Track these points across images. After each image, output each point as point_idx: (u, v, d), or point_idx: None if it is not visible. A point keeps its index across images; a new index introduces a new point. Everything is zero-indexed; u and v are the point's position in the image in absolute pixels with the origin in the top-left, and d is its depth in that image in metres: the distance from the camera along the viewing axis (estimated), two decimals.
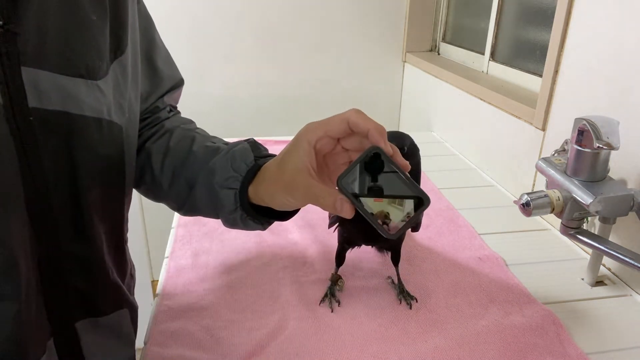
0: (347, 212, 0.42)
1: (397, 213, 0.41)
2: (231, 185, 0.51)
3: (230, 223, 0.55)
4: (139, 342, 0.63)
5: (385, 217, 0.41)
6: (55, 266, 0.44)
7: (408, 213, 0.41)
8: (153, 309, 0.69)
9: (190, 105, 1.68)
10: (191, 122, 0.66)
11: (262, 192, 0.50)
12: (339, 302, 0.70)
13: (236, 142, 0.56)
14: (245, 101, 1.72)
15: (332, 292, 0.72)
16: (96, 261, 0.49)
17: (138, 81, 0.54)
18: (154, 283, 1.91)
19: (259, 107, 1.74)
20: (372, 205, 0.41)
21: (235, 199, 0.51)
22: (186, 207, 0.58)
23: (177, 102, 0.70)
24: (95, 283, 0.49)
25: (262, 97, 1.73)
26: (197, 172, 0.55)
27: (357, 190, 0.42)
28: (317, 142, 0.45)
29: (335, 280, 0.73)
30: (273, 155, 0.53)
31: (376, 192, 0.42)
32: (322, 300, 0.71)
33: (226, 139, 0.60)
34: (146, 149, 0.59)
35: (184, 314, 0.68)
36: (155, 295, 0.73)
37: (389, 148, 0.42)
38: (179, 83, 0.67)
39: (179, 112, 0.69)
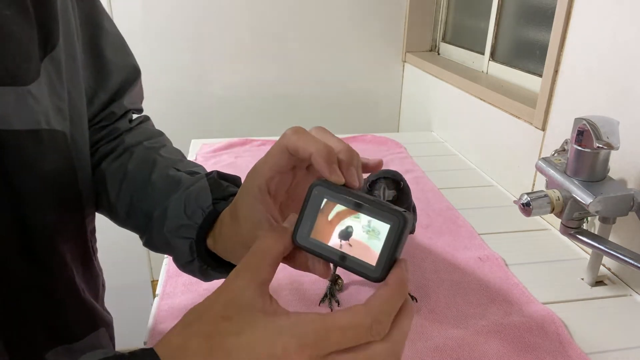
0: (323, 273, 0.35)
1: (375, 243, 0.32)
2: (185, 234, 0.44)
3: (188, 272, 0.47)
4: (139, 342, 0.63)
5: (365, 253, 0.33)
6: (12, 307, 0.39)
7: (387, 239, 0.32)
8: (153, 309, 0.69)
9: (191, 105, 1.69)
10: (160, 134, 0.58)
11: (220, 247, 0.43)
12: (338, 302, 0.70)
13: (197, 176, 0.47)
14: (245, 101, 1.72)
15: (332, 292, 0.71)
16: (64, 286, 0.44)
17: (79, 76, 0.46)
18: (154, 283, 1.91)
19: (259, 107, 1.74)
20: (346, 249, 0.33)
21: (192, 249, 0.44)
22: (146, 241, 0.50)
23: (141, 100, 0.60)
24: (64, 309, 0.45)
25: (262, 97, 1.73)
26: (153, 208, 0.47)
27: (323, 239, 0.34)
28: (269, 185, 0.37)
29: (335, 280, 0.73)
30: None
31: (345, 233, 0.33)
32: (322, 301, 0.71)
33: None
34: (102, 170, 0.51)
35: (184, 313, 0.68)
36: (155, 295, 0.73)
37: (338, 174, 0.34)
38: (133, 75, 0.57)
39: (145, 119, 0.60)
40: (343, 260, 0.33)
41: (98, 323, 0.50)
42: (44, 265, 0.42)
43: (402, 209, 0.32)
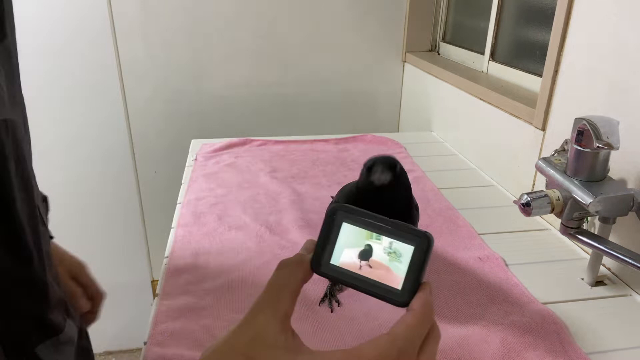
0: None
1: (396, 265, 0.31)
2: None
3: None
4: (139, 343, 0.63)
5: (386, 276, 0.32)
6: (2, 301, 0.40)
7: (409, 261, 0.31)
8: (153, 309, 0.69)
9: (191, 105, 1.69)
10: None
11: None
12: (338, 302, 0.70)
13: None
14: (246, 101, 1.72)
15: (332, 292, 0.71)
16: (45, 276, 0.44)
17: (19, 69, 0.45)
18: (154, 283, 1.91)
19: (259, 107, 1.74)
20: (366, 272, 0.32)
21: None
22: None
23: None
24: (48, 300, 0.45)
25: (262, 97, 1.73)
26: None
27: (344, 264, 0.32)
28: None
29: None
30: None
31: (365, 253, 0.32)
32: (322, 301, 0.71)
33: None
34: None
35: (184, 314, 0.68)
36: (155, 295, 0.73)
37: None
38: None
39: None
40: (366, 285, 0.32)
41: (69, 309, 0.50)
42: (27, 256, 0.42)
43: (424, 230, 0.32)
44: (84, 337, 0.55)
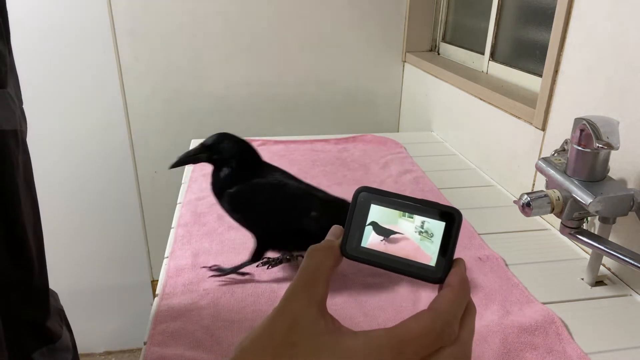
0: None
1: (426, 244, 0.32)
2: None
3: None
4: (139, 343, 0.63)
5: (417, 255, 0.32)
6: (1, 306, 0.40)
7: (441, 238, 0.32)
8: (153, 309, 0.69)
9: (190, 105, 1.69)
10: None
11: None
12: (273, 265, 0.78)
13: None
14: (245, 101, 1.72)
15: (280, 260, 0.79)
16: (43, 283, 0.44)
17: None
18: (154, 283, 1.91)
19: (259, 107, 1.74)
20: (395, 250, 0.32)
21: None
22: None
23: None
24: (47, 306, 0.45)
25: (262, 97, 1.73)
26: None
27: (373, 246, 0.32)
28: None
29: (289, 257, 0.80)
30: None
31: (393, 235, 0.32)
32: (269, 263, 0.79)
33: None
34: None
35: (184, 314, 0.68)
36: (155, 295, 0.73)
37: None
38: None
39: None
40: (399, 265, 0.32)
41: (67, 319, 0.50)
42: (28, 262, 0.42)
43: (453, 206, 0.32)
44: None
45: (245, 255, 0.83)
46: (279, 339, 0.28)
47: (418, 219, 0.32)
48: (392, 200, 0.32)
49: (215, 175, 0.75)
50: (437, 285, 0.32)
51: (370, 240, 0.32)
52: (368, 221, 0.33)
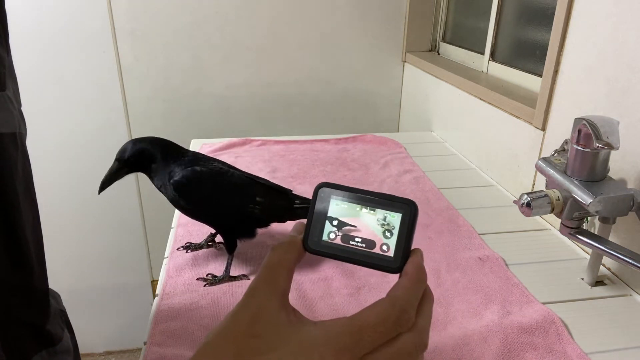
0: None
1: (388, 236, 0.33)
2: None
3: None
4: (139, 343, 0.63)
5: (381, 246, 0.33)
6: (1, 310, 0.40)
7: (401, 228, 0.33)
8: (153, 309, 0.70)
9: (190, 105, 1.69)
10: None
11: None
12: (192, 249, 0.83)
13: None
14: (245, 101, 1.72)
15: (201, 245, 0.83)
16: (43, 286, 0.44)
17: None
18: (154, 283, 1.91)
19: (259, 107, 1.74)
20: (356, 242, 0.33)
21: None
22: None
23: None
24: (48, 309, 0.45)
25: (262, 97, 1.73)
26: None
27: (336, 239, 0.33)
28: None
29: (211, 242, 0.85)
30: None
31: (352, 229, 0.34)
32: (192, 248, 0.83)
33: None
34: None
35: (184, 314, 0.68)
36: (155, 295, 0.73)
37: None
38: None
39: None
40: (359, 257, 0.33)
41: (69, 321, 0.50)
42: (27, 265, 0.42)
43: (408, 198, 0.33)
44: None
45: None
46: (242, 330, 0.29)
47: (380, 212, 0.33)
48: (351, 194, 0.34)
49: (153, 179, 0.76)
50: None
51: (331, 234, 0.34)
52: (328, 216, 0.34)
